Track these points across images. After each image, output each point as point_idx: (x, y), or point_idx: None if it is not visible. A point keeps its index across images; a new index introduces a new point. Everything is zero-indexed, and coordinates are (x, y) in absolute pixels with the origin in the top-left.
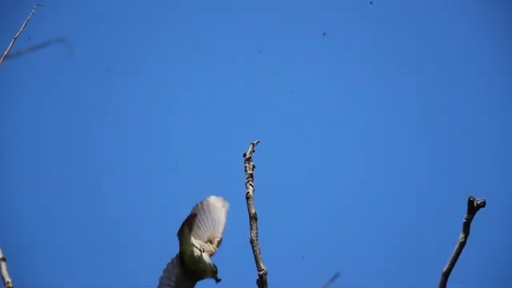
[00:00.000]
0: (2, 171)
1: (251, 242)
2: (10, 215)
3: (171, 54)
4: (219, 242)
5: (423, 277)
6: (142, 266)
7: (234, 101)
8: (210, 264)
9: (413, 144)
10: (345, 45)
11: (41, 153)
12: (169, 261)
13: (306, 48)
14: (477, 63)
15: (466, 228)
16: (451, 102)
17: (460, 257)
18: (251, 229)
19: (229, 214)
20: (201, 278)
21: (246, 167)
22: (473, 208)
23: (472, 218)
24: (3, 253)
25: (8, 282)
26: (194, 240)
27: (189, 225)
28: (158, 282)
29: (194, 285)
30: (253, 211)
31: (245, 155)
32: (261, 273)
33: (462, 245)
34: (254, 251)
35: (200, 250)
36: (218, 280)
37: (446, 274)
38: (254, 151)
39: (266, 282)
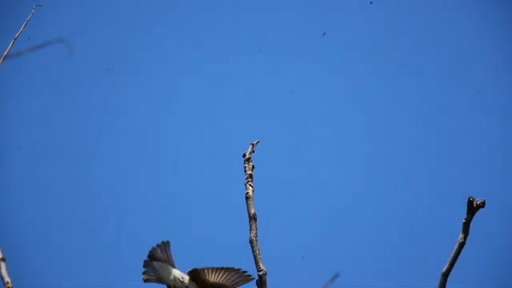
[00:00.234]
0: (1, 171)
1: (251, 242)
2: (10, 215)
3: (171, 54)
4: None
5: (423, 277)
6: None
7: (233, 101)
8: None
9: (413, 144)
10: (345, 45)
11: (41, 153)
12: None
13: (306, 48)
14: (477, 63)
15: (466, 228)
16: (451, 102)
17: (460, 257)
18: (251, 229)
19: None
20: None
21: (245, 167)
22: (472, 208)
23: (472, 218)
24: (3, 253)
25: (8, 282)
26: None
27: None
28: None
29: None
30: (252, 211)
31: (244, 155)
32: (260, 273)
33: (462, 245)
34: (253, 251)
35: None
36: None
37: (446, 274)
38: (253, 151)
39: (265, 282)
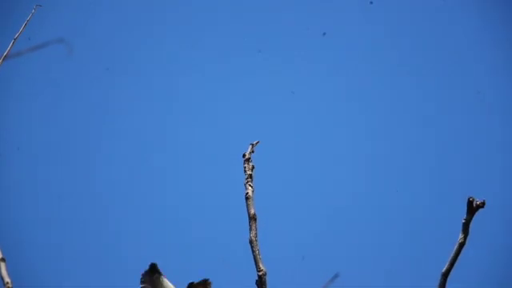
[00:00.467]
0: (1, 171)
1: (250, 242)
2: (10, 215)
3: (171, 54)
4: None
5: (423, 277)
6: (142, 266)
7: (233, 101)
8: None
9: (413, 144)
10: (345, 45)
11: (41, 153)
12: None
13: (306, 48)
14: (477, 63)
15: (466, 228)
16: (451, 102)
17: (459, 257)
18: (250, 229)
19: None
20: None
21: (245, 168)
22: (472, 208)
23: (471, 218)
24: (3, 253)
25: (8, 283)
26: None
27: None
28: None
29: None
30: (252, 212)
31: (244, 156)
32: (260, 273)
33: (462, 245)
34: (253, 252)
35: None
36: None
37: (446, 275)
38: (253, 152)
39: (265, 282)
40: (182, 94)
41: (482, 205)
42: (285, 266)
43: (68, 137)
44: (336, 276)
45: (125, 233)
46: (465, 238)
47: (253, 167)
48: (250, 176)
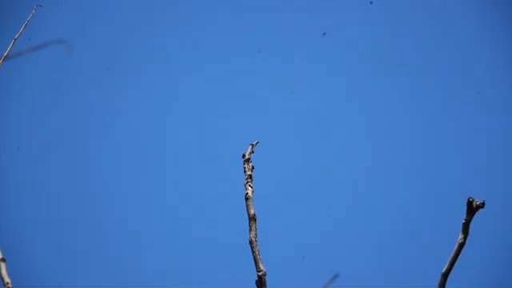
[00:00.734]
0: (1, 171)
1: (250, 242)
2: (10, 215)
3: (171, 54)
4: None
5: (423, 277)
6: (142, 265)
7: (233, 101)
8: None
9: (413, 144)
10: (345, 45)
11: (41, 153)
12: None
13: (306, 48)
14: (477, 63)
15: (465, 229)
16: (451, 102)
17: (459, 257)
18: (250, 230)
19: None
20: None
21: (245, 168)
22: (472, 209)
23: (471, 218)
24: (3, 253)
25: (8, 283)
26: None
27: None
28: None
29: None
30: (252, 212)
31: (244, 156)
32: (260, 274)
33: (461, 245)
34: (253, 252)
35: None
36: None
37: (445, 275)
38: (253, 152)
39: (265, 282)
40: (182, 94)
41: (482, 205)
42: (285, 266)
43: (68, 137)
44: (336, 276)
45: (125, 233)
46: (465, 238)
47: (253, 167)
48: (250, 176)
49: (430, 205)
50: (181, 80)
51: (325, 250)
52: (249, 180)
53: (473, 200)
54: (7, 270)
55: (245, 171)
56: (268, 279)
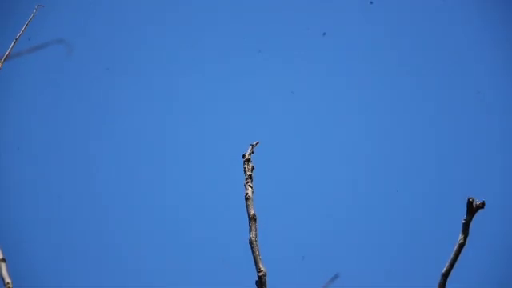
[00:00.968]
0: (1, 171)
1: (250, 243)
2: (10, 215)
3: (171, 54)
4: None
5: (423, 277)
6: (142, 265)
7: (233, 101)
8: None
9: (413, 144)
10: (345, 45)
11: (41, 153)
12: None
13: (306, 48)
14: (477, 63)
15: (465, 229)
16: (451, 102)
17: (459, 258)
18: (250, 230)
19: None
20: None
21: (245, 168)
22: (472, 209)
23: (471, 219)
24: (3, 253)
25: (8, 283)
26: None
27: None
28: None
29: None
30: (252, 212)
31: (244, 156)
32: (260, 274)
33: (461, 246)
34: (253, 252)
35: None
36: None
37: (445, 275)
38: (253, 152)
39: (265, 283)
40: (182, 94)
41: (482, 205)
42: (285, 266)
43: (68, 137)
44: (336, 276)
45: (125, 233)
46: (465, 238)
47: (253, 168)
48: (250, 176)
49: (430, 205)
50: (181, 80)
51: (325, 250)
52: (249, 180)
53: (473, 200)
54: (8, 270)
55: (245, 171)
56: (268, 279)
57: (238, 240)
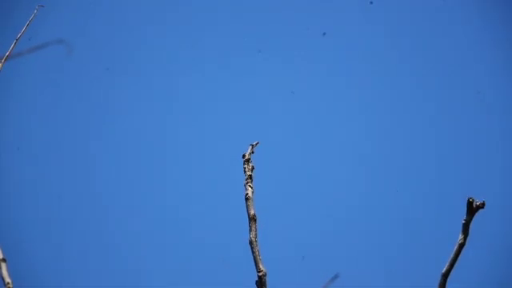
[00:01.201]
0: (1, 171)
1: (250, 243)
2: (10, 215)
3: (171, 54)
4: None
5: (423, 277)
6: (142, 266)
7: (233, 101)
8: None
9: (413, 144)
10: (345, 45)
11: (41, 153)
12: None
13: (306, 48)
14: (477, 63)
15: (465, 229)
16: (451, 102)
17: (459, 258)
18: (250, 230)
19: None
20: None
21: (245, 168)
22: (472, 209)
23: (471, 219)
24: (3, 253)
25: (8, 283)
26: None
27: None
28: None
29: None
30: (252, 212)
31: (244, 156)
32: (260, 274)
33: (461, 246)
34: (253, 252)
35: None
36: None
37: (445, 275)
38: (253, 152)
39: (265, 283)
40: (182, 94)
41: (482, 205)
42: (285, 266)
43: (68, 137)
44: (336, 276)
45: (125, 233)
46: (465, 238)
47: (252, 168)
48: (250, 177)
49: (430, 205)
50: (181, 80)
51: (325, 251)
52: (249, 180)
53: (473, 200)
54: (8, 270)
55: (245, 171)
56: (268, 279)
57: (238, 240)
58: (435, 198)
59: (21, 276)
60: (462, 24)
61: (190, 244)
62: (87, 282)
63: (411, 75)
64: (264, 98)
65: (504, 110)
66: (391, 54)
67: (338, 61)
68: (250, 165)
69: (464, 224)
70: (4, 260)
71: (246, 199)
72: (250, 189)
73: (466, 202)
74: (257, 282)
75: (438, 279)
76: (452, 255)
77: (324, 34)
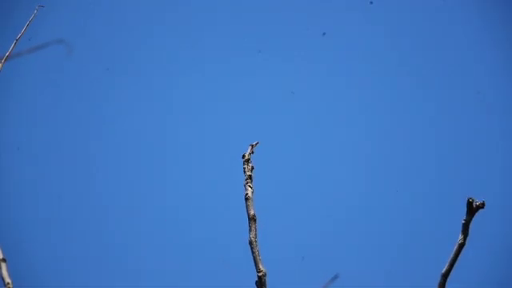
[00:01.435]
0: (1, 171)
1: (250, 243)
2: (10, 215)
3: (171, 54)
4: None
5: (423, 277)
6: (142, 266)
7: (233, 101)
8: None
9: (412, 144)
10: (345, 45)
11: (41, 153)
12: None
13: (306, 48)
14: (477, 63)
15: (465, 229)
16: (451, 102)
17: (459, 258)
18: (250, 230)
19: None
20: None
21: (244, 168)
22: (472, 209)
23: (471, 219)
24: (3, 253)
25: (8, 283)
26: None
27: None
28: None
29: None
30: (252, 212)
31: (244, 156)
32: (260, 274)
33: (461, 246)
34: (252, 253)
35: None
36: None
37: (445, 275)
38: (253, 152)
39: (265, 283)
40: (182, 93)
41: (482, 205)
42: (285, 266)
43: (68, 137)
44: (336, 277)
45: (125, 233)
46: (464, 238)
47: (252, 168)
48: (250, 177)
49: (430, 205)
50: (181, 80)
51: (324, 251)
52: (248, 180)
53: (473, 200)
54: (8, 270)
55: (244, 172)
56: (268, 280)
57: (237, 240)
58: (435, 198)
59: (21, 276)
60: (462, 24)
61: (189, 244)
62: (87, 281)
63: (411, 75)
64: (264, 98)
65: (504, 110)
66: (391, 53)
67: (338, 61)
68: (250, 165)
69: (464, 224)
70: (4, 260)
71: (246, 199)
72: (249, 189)
73: (465, 202)
74: (256, 282)
75: (437, 279)
76: (452, 255)
77: (324, 34)
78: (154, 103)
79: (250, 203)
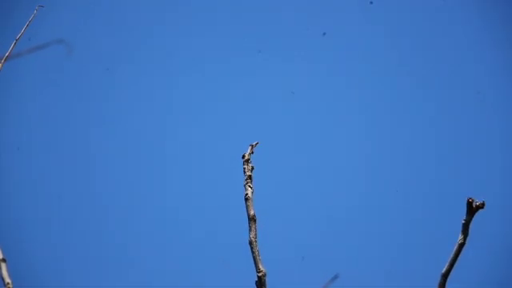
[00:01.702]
0: (1, 171)
1: (250, 243)
2: (10, 215)
3: (171, 54)
4: None
5: (423, 277)
6: (142, 266)
7: (233, 101)
8: None
9: (412, 144)
10: (345, 45)
11: (41, 153)
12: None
13: (306, 48)
14: (477, 63)
15: (465, 229)
16: (451, 102)
17: (459, 258)
18: (250, 230)
19: None
20: None
21: (244, 168)
22: (472, 209)
23: (471, 219)
24: (3, 253)
25: (8, 283)
26: None
27: None
28: None
29: None
30: (251, 213)
31: (243, 157)
32: (260, 274)
33: (461, 246)
34: (252, 253)
35: None
36: None
37: (445, 275)
38: (252, 152)
39: (264, 283)
40: (182, 94)
41: (482, 205)
42: (284, 266)
43: (68, 137)
44: (336, 277)
45: (125, 233)
46: (464, 238)
47: (252, 168)
48: (250, 177)
49: (430, 205)
50: (181, 80)
51: (324, 251)
52: (248, 180)
53: (473, 200)
54: (8, 270)
55: (244, 172)
56: (268, 280)
57: (237, 240)
58: (435, 197)
59: (21, 276)
60: (462, 24)
61: (189, 244)
62: (87, 282)
63: (411, 75)
64: (264, 98)
65: (504, 110)
66: (391, 53)
67: (337, 61)
68: (250, 165)
69: (464, 224)
70: (4, 260)
71: (246, 199)
72: (249, 189)
73: (465, 202)
74: (256, 282)
75: (437, 279)
76: (452, 255)
77: (324, 34)
78: (153, 103)
79: (249, 203)
